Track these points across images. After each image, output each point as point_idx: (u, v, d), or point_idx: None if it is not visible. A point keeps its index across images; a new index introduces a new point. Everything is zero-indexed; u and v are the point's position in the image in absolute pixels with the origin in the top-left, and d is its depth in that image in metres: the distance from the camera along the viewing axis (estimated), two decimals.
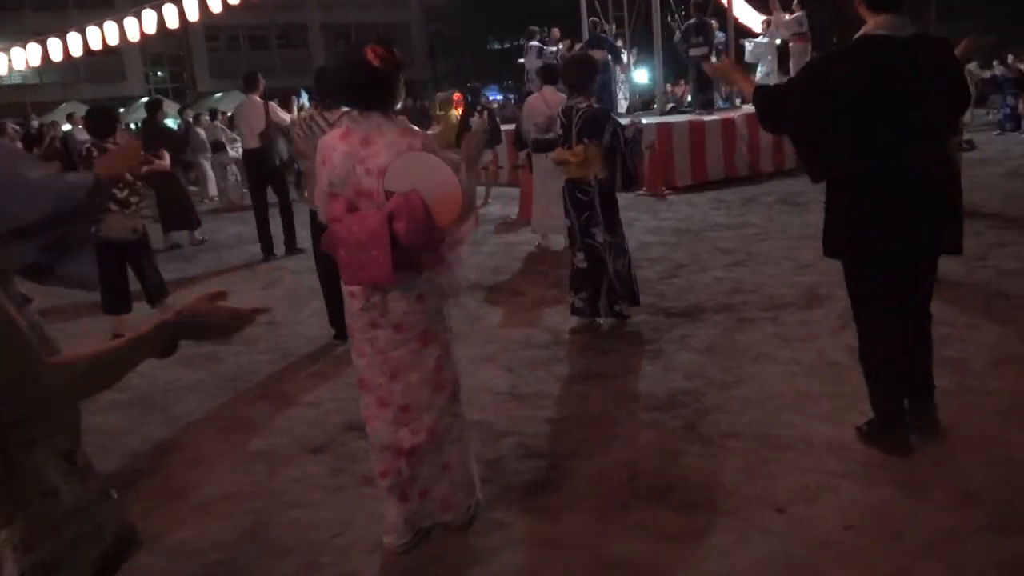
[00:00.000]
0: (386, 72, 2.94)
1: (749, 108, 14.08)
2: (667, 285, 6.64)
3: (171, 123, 17.35)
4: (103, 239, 6.16)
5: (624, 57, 14.92)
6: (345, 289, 3.08)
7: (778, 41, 15.01)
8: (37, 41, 16.48)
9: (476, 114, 10.86)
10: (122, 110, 31.00)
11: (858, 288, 3.62)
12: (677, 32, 13.82)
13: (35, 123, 16.24)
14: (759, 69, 14.92)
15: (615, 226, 5.49)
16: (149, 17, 15.01)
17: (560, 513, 3.31)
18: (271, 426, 4.47)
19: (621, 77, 15.36)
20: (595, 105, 5.46)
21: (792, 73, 14.20)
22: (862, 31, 3.39)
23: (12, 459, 1.44)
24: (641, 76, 22.25)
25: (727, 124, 12.22)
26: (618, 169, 5.39)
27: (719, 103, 14.63)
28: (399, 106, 3.07)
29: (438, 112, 13.71)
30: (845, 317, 5.36)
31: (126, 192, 5.89)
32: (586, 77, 5.58)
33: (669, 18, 15.42)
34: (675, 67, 18.12)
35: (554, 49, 13.31)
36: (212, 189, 14.98)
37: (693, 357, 5.00)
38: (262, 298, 7.55)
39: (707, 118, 12.36)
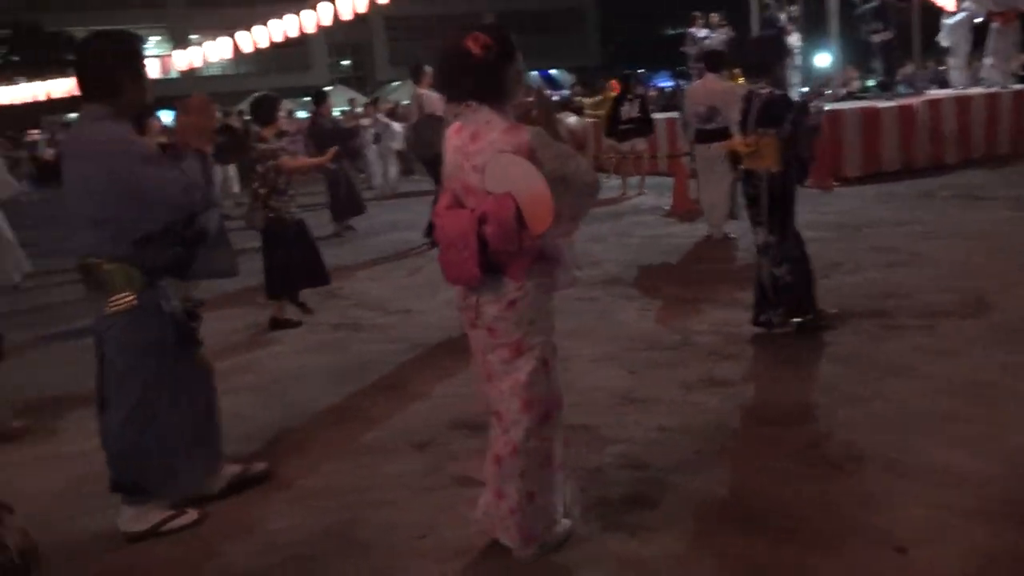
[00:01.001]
0: (489, 62, 2.75)
1: (935, 93, 13.09)
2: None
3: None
4: None
5: (793, 40, 14.13)
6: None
7: (977, 20, 13.74)
8: (228, 34, 17.64)
9: (627, 101, 10.58)
10: (307, 99, 32.75)
11: None
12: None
13: (219, 115, 17.31)
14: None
15: (783, 228, 5.02)
16: (325, 9, 15.72)
17: (650, 532, 3.10)
18: (381, 418, 4.48)
19: (792, 62, 14.57)
20: (776, 91, 4.99)
21: (990, 55, 12.88)
22: None
23: None
24: (823, 60, 21.09)
25: (905, 111, 11.32)
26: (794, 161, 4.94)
27: (900, 88, 13.61)
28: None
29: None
30: (1009, 329, 4.84)
31: (255, 184, 6.11)
32: (767, 58, 5.12)
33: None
34: (852, 52, 16.97)
35: (704, 34, 12.79)
36: (375, 178, 15.47)
37: (829, 367, 4.62)
38: (403, 286, 7.68)
39: (882, 104, 11.50)
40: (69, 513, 3.69)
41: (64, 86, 18.67)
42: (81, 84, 3.25)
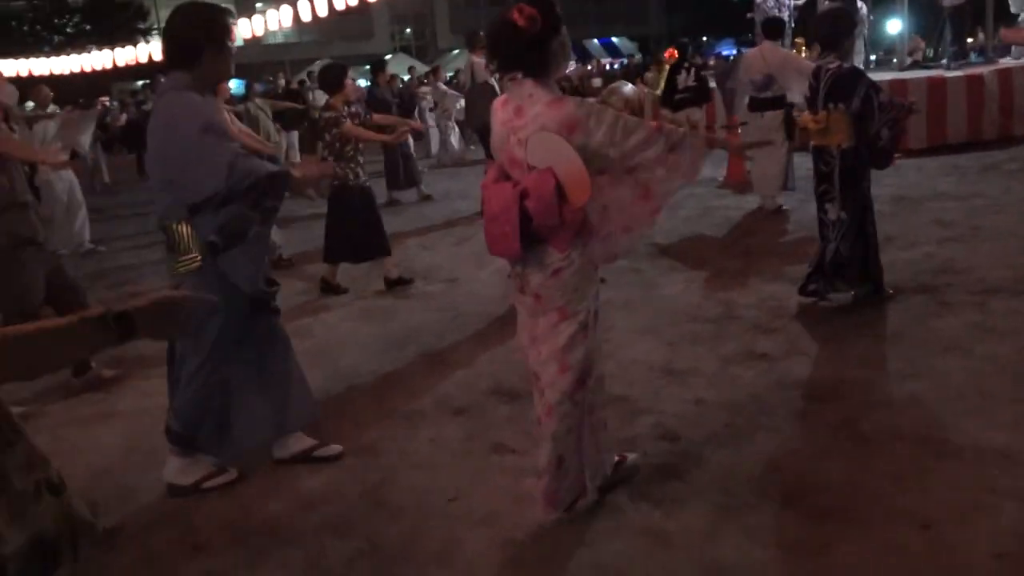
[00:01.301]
0: (532, 34, 2.75)
1: (1006, 63, 12.60)
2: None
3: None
4: None
5: (861, 7, 13.72)
6: None
7: None
8: (288, 3, 17.79)
9: (683, 71, 10.42)
10: (368, 67, 32.97)
11: None
12: None
13: (282, 82, 17.56)
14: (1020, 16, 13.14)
15: (853, 205, 4.96)
16: None
17: (679, 505, 3.13)
18: (421, 385, 4.56)
19: (859, 30, 14.15)
20: (845, 66, 4.88)
21: None
22: None
23: None
24: (894, 27, 20.45)
25: (973, 81, 10.93)
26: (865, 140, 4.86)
27: (972, 57, 13.14)
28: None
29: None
30: None
31: (324, 152, 6.24)
32: (838, 32, 5.00)
33: None
34: (922, 19, 16.42)
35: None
36: (433, 147, 15.54)
37: (873, 343, 4.56)
38: (452, 255, 7.76)
39: (949, 74, 11.12)
40: (119, 469, 3.86)
41: (131, 54, 19.01)
42: (167, 52, 3.33)
